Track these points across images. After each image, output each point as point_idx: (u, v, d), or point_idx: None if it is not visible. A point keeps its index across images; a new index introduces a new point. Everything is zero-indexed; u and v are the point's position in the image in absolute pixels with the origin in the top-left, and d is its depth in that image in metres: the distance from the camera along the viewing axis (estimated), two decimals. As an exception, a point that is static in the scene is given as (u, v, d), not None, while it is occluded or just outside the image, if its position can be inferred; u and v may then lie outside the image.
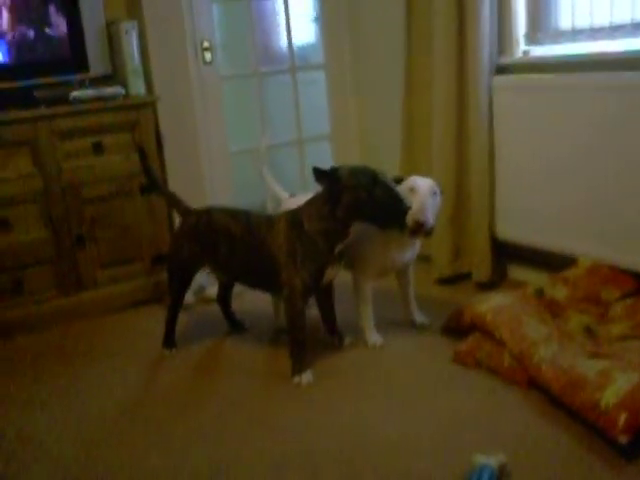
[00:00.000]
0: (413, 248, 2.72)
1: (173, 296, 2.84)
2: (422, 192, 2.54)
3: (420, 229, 2.52)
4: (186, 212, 2.80)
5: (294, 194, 2.99)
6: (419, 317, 2.89)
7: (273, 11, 4.02)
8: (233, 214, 2.69)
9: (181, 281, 2.82)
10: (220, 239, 2.65)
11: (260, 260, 2.57)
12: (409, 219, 2.48)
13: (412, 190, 2.54)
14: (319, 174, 2.41)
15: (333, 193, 2.41)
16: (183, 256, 2.76)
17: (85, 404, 2.51)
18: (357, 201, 2.39)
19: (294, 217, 2.51)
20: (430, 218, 2.53)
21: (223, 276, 2.89)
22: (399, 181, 2.60)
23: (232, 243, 2.63)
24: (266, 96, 4.00)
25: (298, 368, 2.52)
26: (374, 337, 2.74)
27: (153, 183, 2.93)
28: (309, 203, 2.51)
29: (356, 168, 2.44)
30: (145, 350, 2.90)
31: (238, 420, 2.30)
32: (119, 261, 3.37)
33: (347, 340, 2.77)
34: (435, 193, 2.58)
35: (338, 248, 2.50)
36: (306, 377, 2.50)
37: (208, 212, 2.74)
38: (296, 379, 2.50)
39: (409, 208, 2.43)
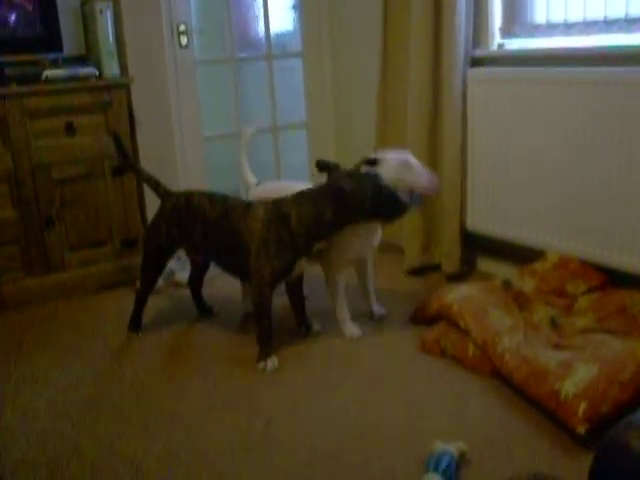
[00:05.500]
0: (377, 235, 2.74)
1: (146, 279, 2.82)
2: (417, 164, 2.64)
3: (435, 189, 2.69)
4: (165, 195, 2.77)
5: (260, 182, 3.00)
6: (377, 309, 2.90)
7: (252, -3, 4.00)
8: (211, 197, 2.67)
9: (156, 264, 2.80)
10: (196, 221, 2.64)
11: (231, 244, 2.57)
12: (428, 186, 2.63)
13: (407, 166, 2.61)
14: (334, 189, 2.43)
15: (339, 205, 2.42)
16: (161, 238, 2.73)
17: (49, 386, 2.48)
18: (361, 210, 2.44)
19: (279, 209, 2.48)
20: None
21: (198, 258, 2.88)
22: (374, 163, 2.60)
23: (207, 226, 2.61)
24: (242, 82, 3.98)
25: (264, 353, 2.52)
26: (351, 328, 2.73)
27: (131, 167, 2.93)
28: (301, 202, 2.47)
29: (358, 178, 2.45)
30: (112, 333, 2.88)
31: (201, 403, 2.29)
32: (88, 243, 3.34)
33: (315, 328, 2.77)
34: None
35: (317, 247, 2.52)
36: (271, 362, 2.50)
37: (188, 195, 2.72)
38: (261, 364, 2.50)
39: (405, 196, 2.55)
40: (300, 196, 2.50)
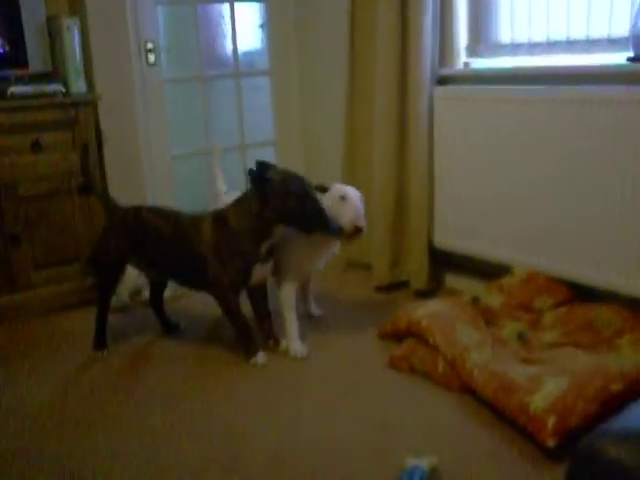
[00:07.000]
0: (333, 251, 2.82)
1: (100, 295, 2.83)
2: (354, 199, 2.65)
3: (358, 233, 2.62)
4: (114, 209, 2.82)
5: (229, 191, 3.06)
6: (315, 309, 3.08)
7: (219, 16, 4.01)
8: (162, 213, 2.73)
9: (108, 278, 2.81)
10: (148, 237, 2.69)
11: (187, 258, 2.63)
12: (348, 225, 2.59)
13: (343, 198, 2.63)
14: (254, 175, 2.46)
15: (263, 194, 2.46)
16: (110, 251, 2.76)
17: (11, 404, 2.45)
18: (285, 208, 2.45)
19: (219, 216, 2.58)
20: (364, 222, 2.64)
21: (149, 273, 2.91)
22: (324, 190, 2.68)
23: (160, 241, 2.67)
24: (210, 100, 3.98)
25: (251, 350, 2.62)
26: (297, 346, 2.72)
27: (87, 179, 3.00)
28: (236, 202, 2.57)
29: (289, 175, 2.49)
30: (76, 352, 2.84)
31: (165, 421, 2.27)
32: (55, 262, 3.29)
33: (283, 344, 2.76)
34: (362, 200, 2.69)
35: (264, 247, 2.56)
36: (261, 358, 2.62)
37: (136, 210, 2.77)
38: (252, 360, 2.61)
39: (335, 222, 2.53)
40: (237, 198, 2.58)
